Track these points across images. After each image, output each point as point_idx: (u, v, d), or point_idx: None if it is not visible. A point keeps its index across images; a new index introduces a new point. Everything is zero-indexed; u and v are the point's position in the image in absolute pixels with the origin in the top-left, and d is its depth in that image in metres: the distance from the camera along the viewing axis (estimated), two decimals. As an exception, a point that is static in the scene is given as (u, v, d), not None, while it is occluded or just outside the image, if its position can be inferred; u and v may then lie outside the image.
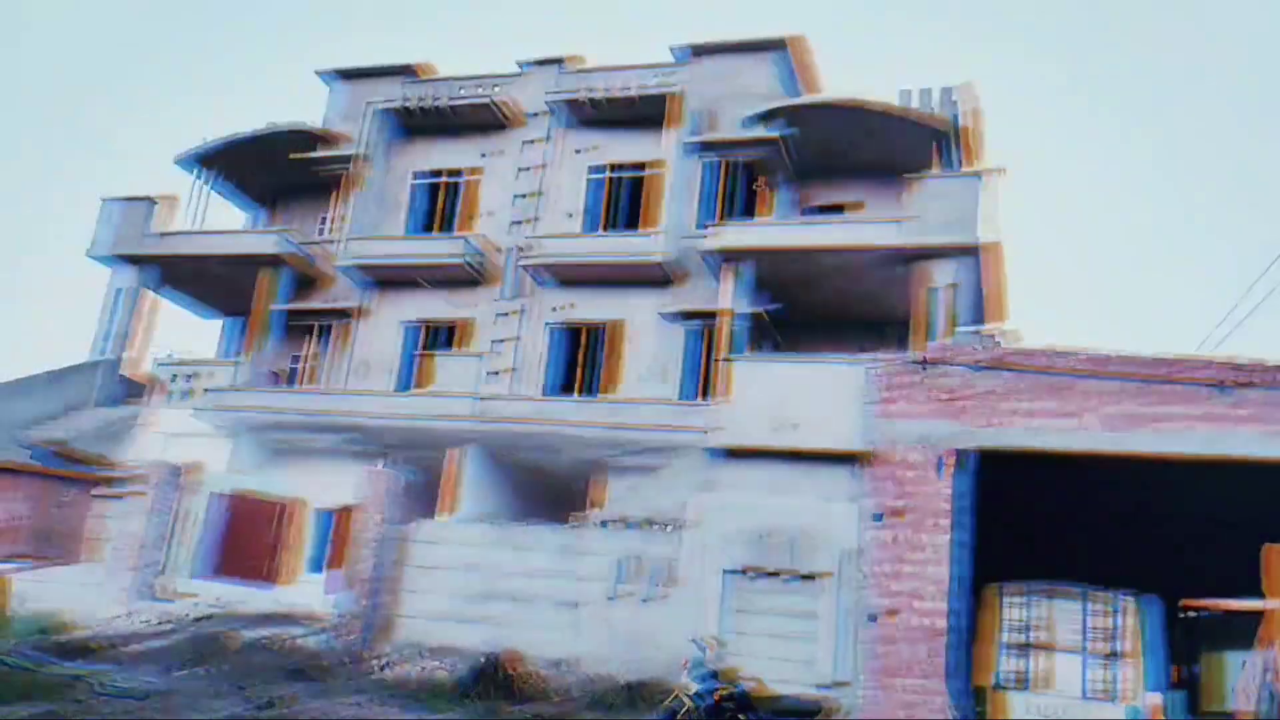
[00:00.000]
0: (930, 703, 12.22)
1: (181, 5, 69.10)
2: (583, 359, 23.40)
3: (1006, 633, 12.74)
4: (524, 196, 24.99)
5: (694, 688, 9.77)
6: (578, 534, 15.17)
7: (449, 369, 22.00)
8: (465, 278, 24.32)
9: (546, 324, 23.82)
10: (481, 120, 25.68)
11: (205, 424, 22.18)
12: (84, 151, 68.91)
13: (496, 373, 23.09)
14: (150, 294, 26.31)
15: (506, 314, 24.06)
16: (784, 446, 14.67)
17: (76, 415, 22.99)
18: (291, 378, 25.74)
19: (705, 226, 22.39)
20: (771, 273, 21.70)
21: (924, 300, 19.86)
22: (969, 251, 20.03)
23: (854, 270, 21.04)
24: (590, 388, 23.03)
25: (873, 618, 12.62)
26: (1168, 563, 13.82)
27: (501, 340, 23.75)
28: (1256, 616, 12.93)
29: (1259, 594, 12.65)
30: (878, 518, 12.95)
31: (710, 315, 21.87)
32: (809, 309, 22.48)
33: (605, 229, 24.19)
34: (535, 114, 25.48)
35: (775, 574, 13.42)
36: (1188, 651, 14.50)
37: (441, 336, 24.50)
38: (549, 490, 22.43)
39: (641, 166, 24.31)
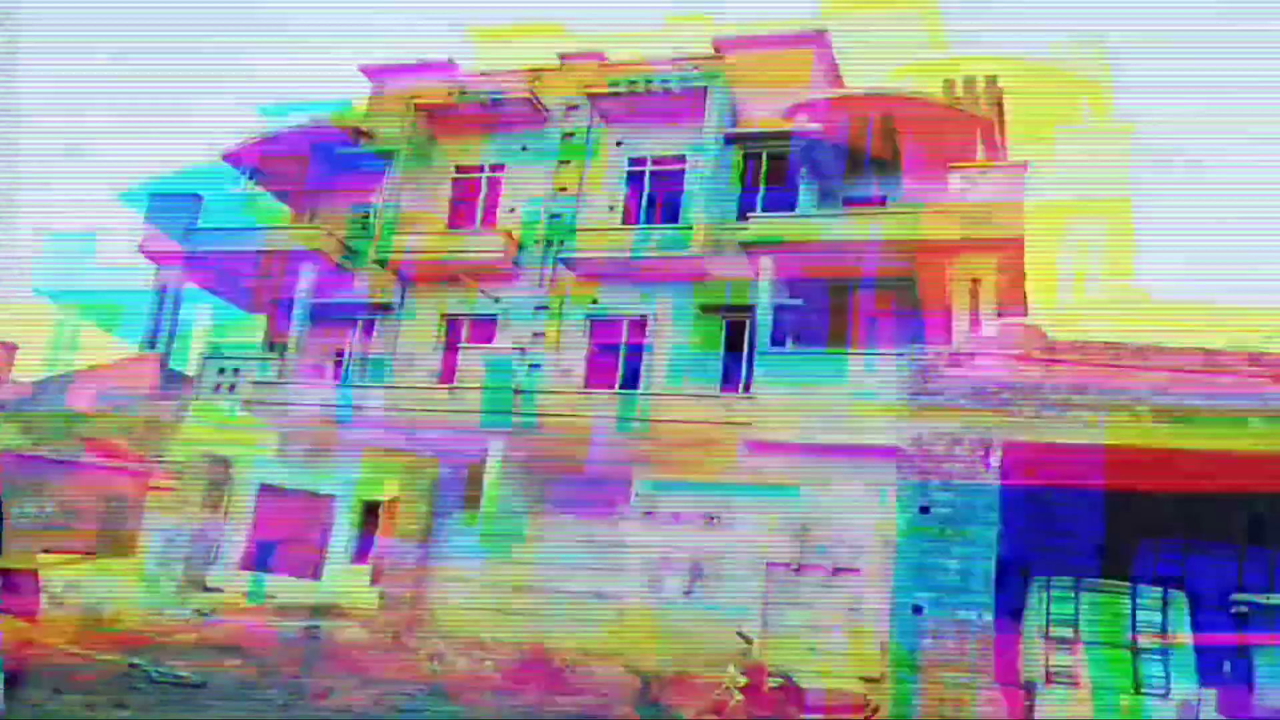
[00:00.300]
0: (975, 697, 12.15)
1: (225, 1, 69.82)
2: (620, 352, 23.43)
3: (1053, 627, 12.61)
4: (563, 190, 25.05)
5: (741, 680, 9.77)
6: (618, 527, 15.19)
7: (487, 362, 22.10)
8: (504, 271, 24.43)
9: (586, 315, 23.88)
10: (521, 114, 25.75)
11: (251, 417, 22.46)
12: (129, 145, 69.79)
13: (535, 366, 23.18)
14: (197, 288, 26.68)
15: (545, 307, 24.14)
16: (824, 440, 14.62)
17: (126, 409, 23.34)
18: (335, 372, 25.98)
19: (743, 218, 22.35)
20: (809, 265, 21.60)
21: (966, 292, 19.69)
22: (1012, 243, 19.83)
23: (893, 261, 20.88)
24: (627, 381, 23.05)
25: (917, 609, 12.55)
26: (1217, 557, 13.65)
27: (540, 333, 23.83)
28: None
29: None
30: (922, 510, 12.87)
31: (747, 308, 21.82)
32: (848, 301, 22.34)
33: (643, 222, 24.19)
34: (574, 107, 25.52)
35: (818, 567, 13.35)
36: (1238, 646, 14.30)
37: (480, 330, 24.61)
38: (581, 484, 22.47)
39: (679, 159, 24.28)
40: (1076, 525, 14.52)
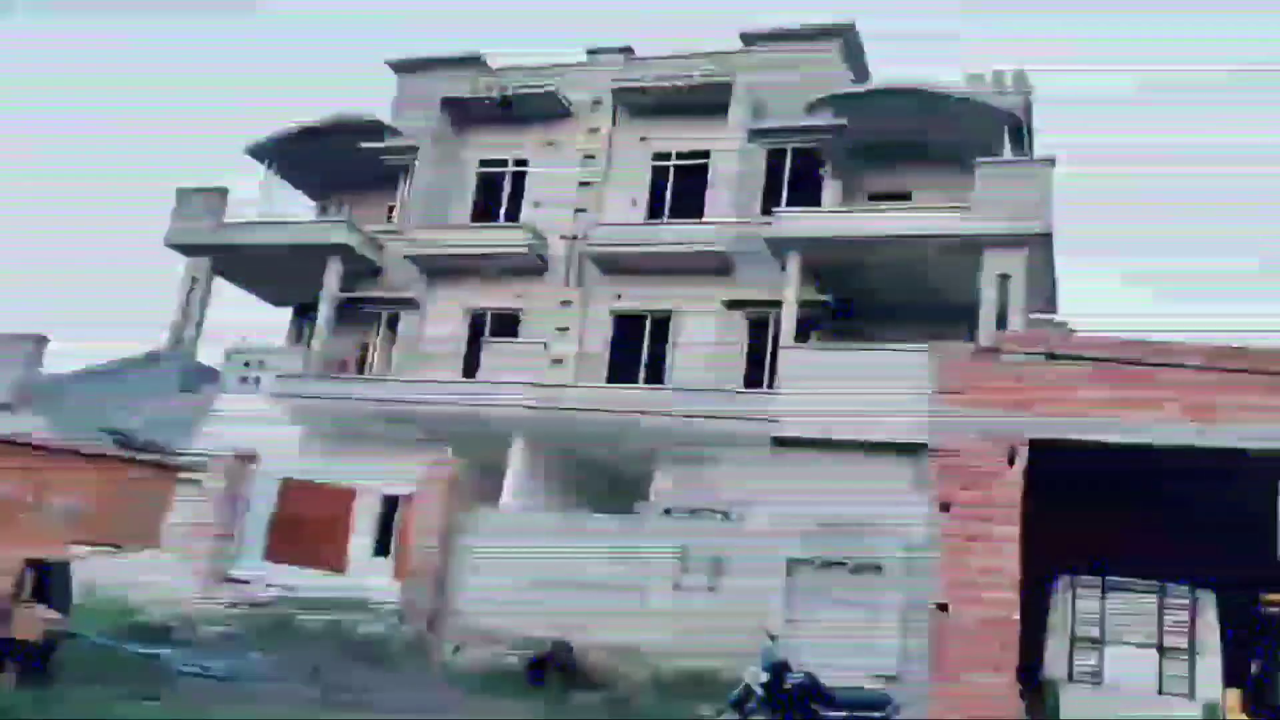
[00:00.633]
0: (1000, 696, 12.06)
1: (248, -2, 70.24)
2: (644, 347, 23.44)
3: (1078, 626, 12.49)
4: (587, 185, 25.07)
5: (763, 676, 9.75)
6: (641, 522, 15.19)
7: (511, 357, 22.17)
8: (528, 266, 24.48)
9: (609, 311, 23.90)
10: (545, 109, 25.78)
11: (275, 411, 22.63)
12: (156, 140, 70.44)
13: (559, 360, 23.22)
14: (223, 282, 26.89)
15: (569, 302, 24.17)
16: (847, 436, 14.56)
17: (152, 401, 23.57)
18: (359, 366, 26.14)
19: (768, 213, 22.29)
20: (833, 261, 21.52)
21: (991, 288, 19.54)
22: (1038, 239, 19.67)
23: (918, 258, 20.77)
24: (651, 376, 23.06)
25: (942, 607, 12.46)
26: (1244, 557, 13.48)
27: (564, 328, 23.87)
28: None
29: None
30: (945, 508, 12.77)
31: (772, 304, 21.77)
32: (871, 297, 22.25)
33: (667, 217, 24.18)
34: (599, 102, 25.53)
35: (840, 564, 13.30)
36: (1269, 647, 14.12)
37: (504, 324, 24.68)
38: (606, 479, 22.52)
39: (704, 154, 24.24)
40: (1100, 523, 14.38)
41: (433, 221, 25.62)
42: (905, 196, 23.35)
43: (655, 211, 24.46)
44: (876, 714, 9.77)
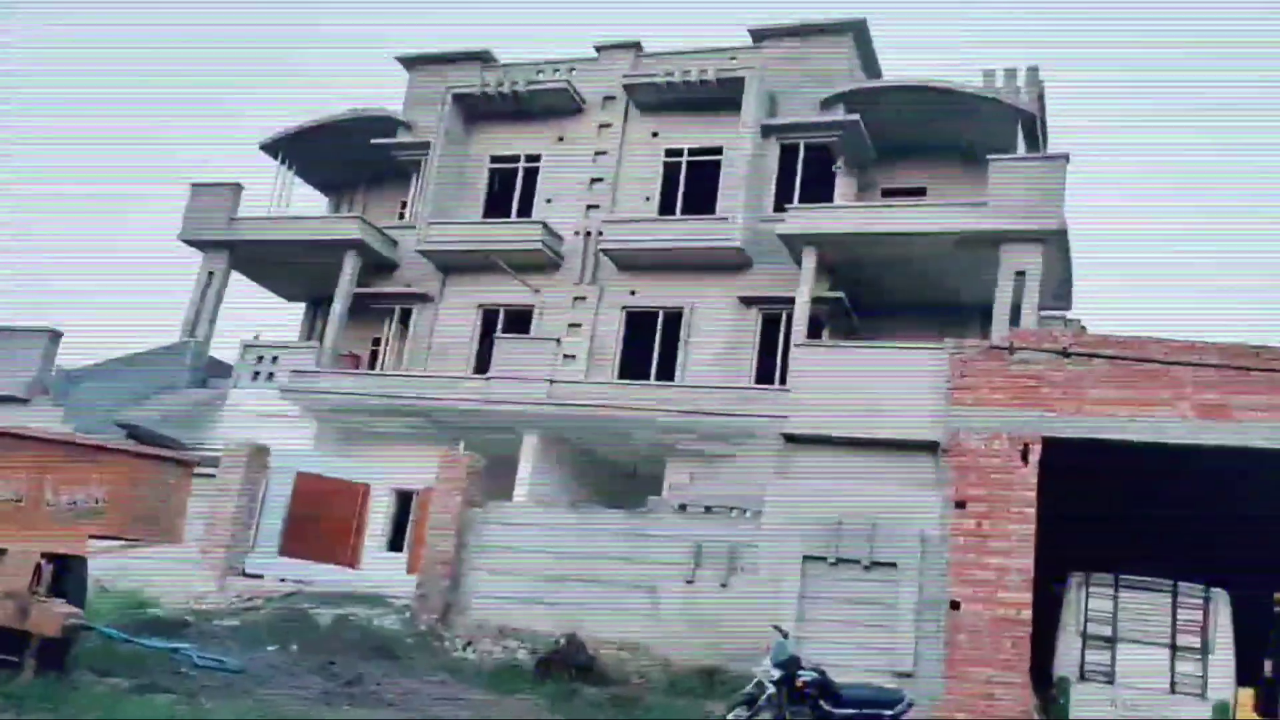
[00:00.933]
0: (1012, 694, 12.06)
1: (261, -6, 70.37)
2: (656, 343, 23.44)
3: (1090, 624, 12.45)
4: (599, 180, 25.06)
5: (775, 673, 9.74)
6: (654, 519, 15.18)
7: (523, 353, 22.20)
8: (541, 262, 24.49)
9: (622, 307, 23.90)
10: (557, 105, 25.78)
11: (289, 406, 22.72)
12: (170, 135, 70.65)
13: (571, 356, 23.24)
14: (237, 277, 26.99)
15: (582, 298, 24.19)
16: (862, 433, 14.51)
17: (167, 396, 23.70)
18: (371, 361, 26.21)
19: (782, 210, 22.26)
20: (847, 257, 21.50)
21: (1005, 285, 19.49)
22: (1053, 236, 19.62)
23: (932, 255, 20.73)
24: (663, 372, 23.07)
25: (955, 605, 12.46)
26: (1258, 556, 13.43)
27: (576, 324, 23.89)
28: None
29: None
30: (960, 506, 12.77)
31: (785, 300, 21.75)
32: (885, 294, 22.24)
33: (679, 213, 24.16)
34: (610, 98, 25.51)
35: (853, 561, 13.28)
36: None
37: (516, 320, 24.71)
38: (615, 476, 22.56)
39: (716, 150, 24.21)
40: (1111, 520, 14.34)
41: (444, 217, 25.65)
42: (919, 193, 23.33)
43: (667, 208, 24.44)
44: (889, 711, 9.74)
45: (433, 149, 26.02)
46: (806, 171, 23.19)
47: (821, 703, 9.69)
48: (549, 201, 25.45)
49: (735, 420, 19.45)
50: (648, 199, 24.61)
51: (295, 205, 28.00)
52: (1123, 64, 70.40)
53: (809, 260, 21.27)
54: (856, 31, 24.13)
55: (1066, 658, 12.45)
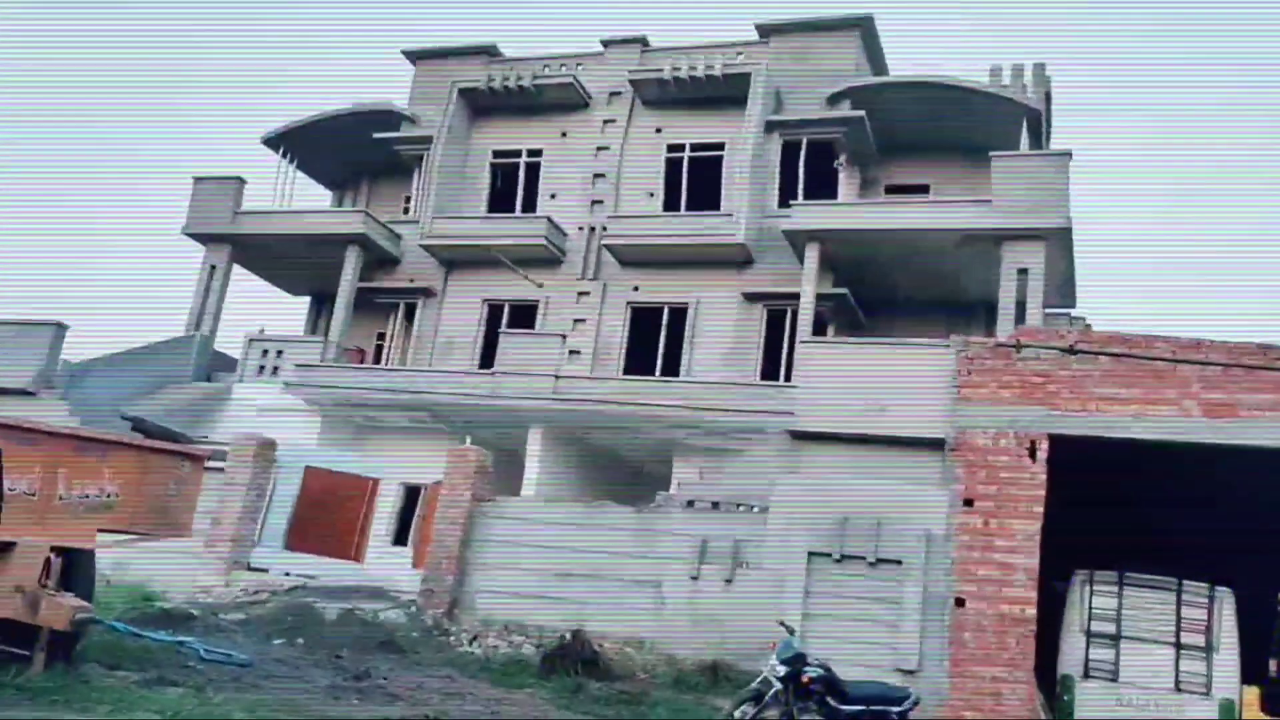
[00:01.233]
0: (1017, 692, 12.09)
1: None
2: (661, 339, 23.44)
3: (1095, 622, 12.48)
4: (603, 176, 25.04)
5: (781, 670, 9.76)
6: (660, 515, 15.20)
7: (528, 348, 22.21)
8: (545, 257, 24.48)
9: (626, 303, 23.91)
10: (562, 100, 25.76)
11: (295, 400, 22.74)
12: (174, 129, 70.61)
13: (576, 352, 23.26)
14: (241, 271, 26.99)
15: (586, 293, 24.19)
16: (868, 430, 14.53)
17: (171, 389, 23.71)
18: (376, 356, 26.23)
19: (786, 206, 22.27)
20: (851, 254, 21.51)
21: (1010, 282, 19.50)
22: (1057, 233, 19.61)
23: (938, 251, 20.74)
24: (668, 368, 23.08)
25: (960, 602, 12.49)
26: (1264, 555, 13.46)
27: (581, 320, 23.89)
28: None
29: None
30: (967, 503, 12.78)
31: (790, 296, 21.75)
32: (890, 290, 22.26)
33: (683, 209, 24.14)
34: (615, 93, 25.48)
35: (859, 558, 13.30)
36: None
37: (521, 316, 24.72)
38: (620, 472, 22.57)
39: (720, 146, 24.20)
40: (1114, 518, 14.36)
41: (449, 212, 25.63)
42: (923, 189, 23.34)
43: (671, 204, 24.43)
44: (896, 708, 9.76)
45: (436, 143, 25.98)
46: (810, 168, 23.18)
47: (828, 699, 9.71)
48: (553, 197, 25.43)
49: (741, 416, 19.44)
50: (651, 195, 24.59)
51: (298, 200, 27.97)
52: (1131, 62, 70.31)
53: (812, 257, 21.27)
54: (864, 28, 24.10)
55: (1071, 656, 12.48)
